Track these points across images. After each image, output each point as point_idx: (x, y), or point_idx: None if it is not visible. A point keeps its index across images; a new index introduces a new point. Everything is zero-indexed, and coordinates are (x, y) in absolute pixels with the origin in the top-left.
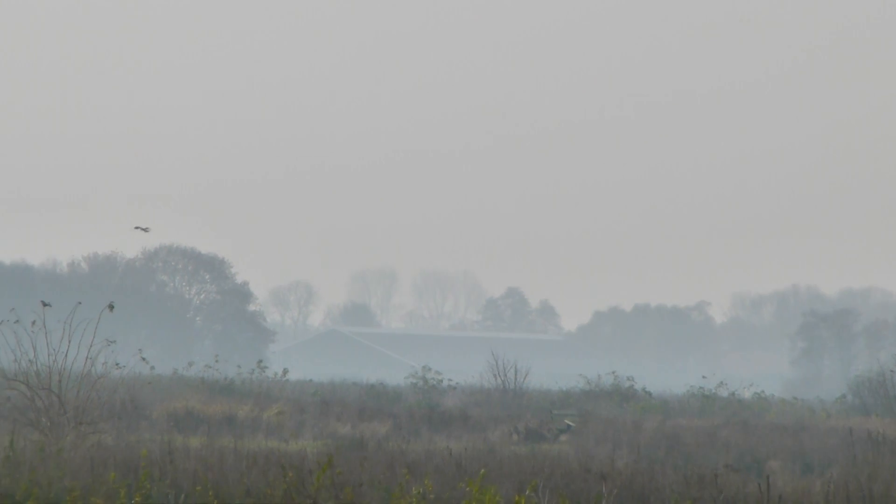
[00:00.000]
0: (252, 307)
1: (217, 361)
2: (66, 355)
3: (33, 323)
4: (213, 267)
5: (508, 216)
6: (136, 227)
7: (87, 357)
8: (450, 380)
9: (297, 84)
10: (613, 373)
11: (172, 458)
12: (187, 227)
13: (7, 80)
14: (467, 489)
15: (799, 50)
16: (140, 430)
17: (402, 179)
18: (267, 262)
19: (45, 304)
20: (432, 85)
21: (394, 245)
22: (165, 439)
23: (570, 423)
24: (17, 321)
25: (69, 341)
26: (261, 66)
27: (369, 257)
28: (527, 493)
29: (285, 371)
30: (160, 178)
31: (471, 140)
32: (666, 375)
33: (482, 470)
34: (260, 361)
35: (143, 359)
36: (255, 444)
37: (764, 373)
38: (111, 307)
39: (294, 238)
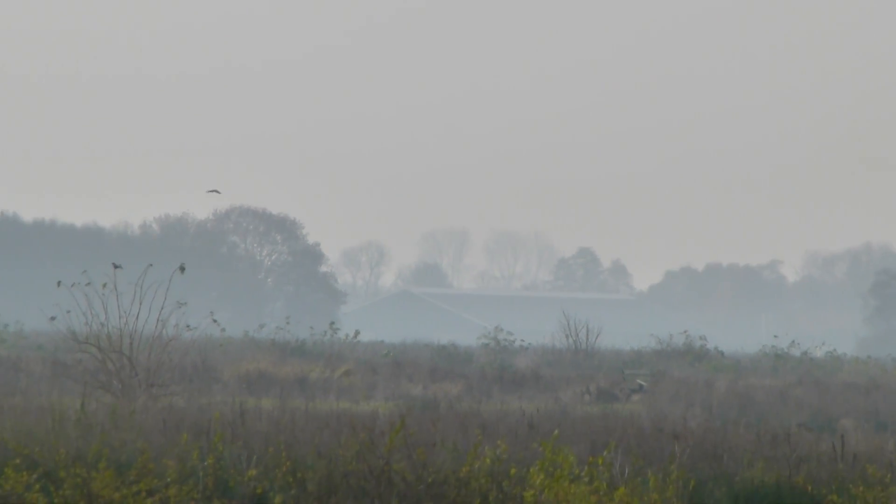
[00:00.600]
0: (323, 268)
1: (288, 323)
2: (137, 317)
3: (104, 285)
4: (285, 227)
5: (579, 176)
6: (209, 191)
7: (158, 319)
8: (521, 340)
9: (366, 48)
10: (685, 332)
11: (244, 419)
12: (258, 187)
13: (68, 42)
14: (540, 450)
15: None
16: (211, 393)
17: (474, 140)
18: (338, 222)
19: (116, 267)
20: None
21: (465, 205)
22: (237, 401)
23: (643, 383)
24: (88, 283)
25: (140, 303)
26: (324, 30)
27: (440, 217)
28: (604, 454)
29: (357, 332)
30: (230, 138)
31: (547, 105)
32: (738, 334)
33: (555, 431)
34: (332, 323)
35: (215, 321)
36: (326, 406)
37: (836, 331)
38: (182, 269)
39: (365, 198)
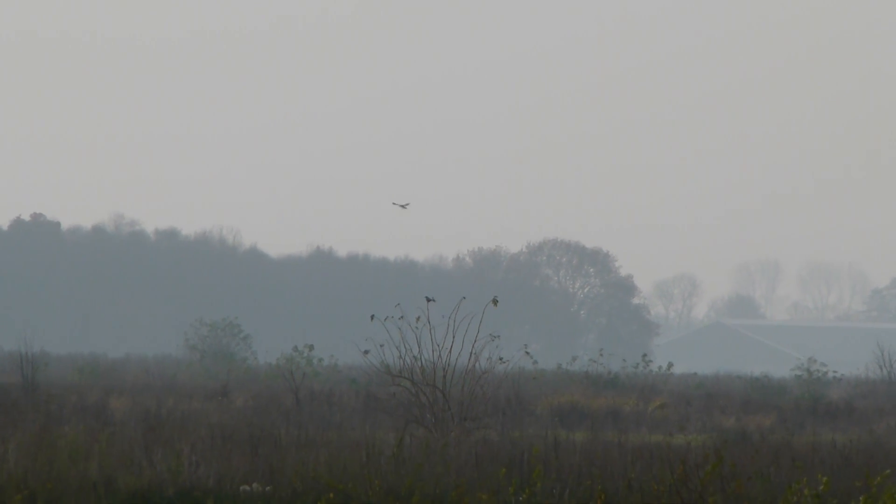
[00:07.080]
0: (636, 300)
1: (602, 355)
2: (450, 351)
3: (418, 319)
4: (598, 260)
5: (891, 204)
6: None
7: (471, 352)
8: (834, 371)
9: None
10: None
11: (557, 453)
12: (572, 220)
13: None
14: (857, 485)
15: None
16: (524, 426)
17: (785, 170)
18: (651, 255)
19: (429, 300)
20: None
21: (778, 236)
22: (550, 434)
23: None
24: (401, 317)
25: (453, 337)
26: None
27: (753, 248)
28: None
29: (670, 365)
30: (542, 173)
31: (854, 132)
32: None
33: (886, 470)
34: (644, 355)
35: (527, 353)
36: (639, 439)
37: None
38: (495, 302)
39: (678, 230)
